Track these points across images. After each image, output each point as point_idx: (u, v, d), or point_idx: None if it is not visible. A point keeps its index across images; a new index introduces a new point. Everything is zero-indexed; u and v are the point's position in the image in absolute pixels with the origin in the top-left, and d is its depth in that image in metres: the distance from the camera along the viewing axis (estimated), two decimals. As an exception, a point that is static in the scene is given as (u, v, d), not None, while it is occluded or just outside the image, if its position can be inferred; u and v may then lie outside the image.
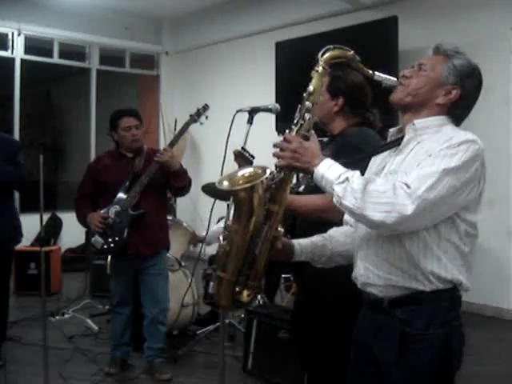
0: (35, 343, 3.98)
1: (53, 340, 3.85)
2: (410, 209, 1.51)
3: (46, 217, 6.91)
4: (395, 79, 1.77)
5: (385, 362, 1.69)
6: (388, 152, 1.79)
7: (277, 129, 5.62)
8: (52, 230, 7.14)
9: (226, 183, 1.77)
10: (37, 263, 5.66)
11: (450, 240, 1.63)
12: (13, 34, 7.17)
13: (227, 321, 4.15)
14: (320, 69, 1.69)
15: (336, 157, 2.05)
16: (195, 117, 3.54)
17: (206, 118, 3.54)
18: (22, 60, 7.28)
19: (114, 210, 3.46)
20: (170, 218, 4.63)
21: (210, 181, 4.68)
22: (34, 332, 4.25)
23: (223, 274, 1.71)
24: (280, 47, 6.36)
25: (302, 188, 2.38)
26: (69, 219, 7.02)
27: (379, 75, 1.76)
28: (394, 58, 5.31)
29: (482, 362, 4.00)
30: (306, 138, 1.65)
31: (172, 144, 3.51)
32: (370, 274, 1.69)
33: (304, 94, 1.68)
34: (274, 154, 1.65)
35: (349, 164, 1.68)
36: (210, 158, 7.55)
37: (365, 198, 1.52)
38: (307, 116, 1.66)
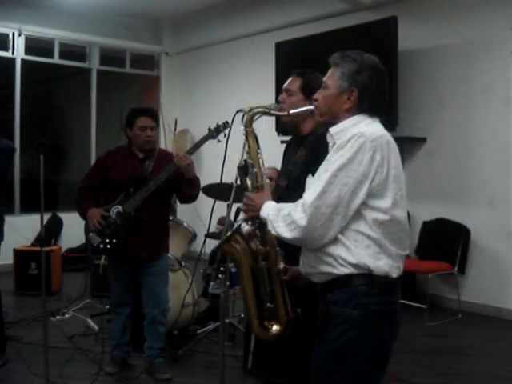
0: (35, 343, 3.98)
1: (53, 340, 3.85)
2: (304, 220, 1.75)
3: (46, 217, 6.92)
4: (311, 107, 2.03)
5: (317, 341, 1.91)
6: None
7: (277, 129, 5.62)
8: (52, 230, 7.14)
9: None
10: (37, 263, 5.66)
11: (356, 230, 1.79)
12: (13, 34, 7.17)
13: (227, 321, 4.15)
14: (248, 130, 2.06)
15: (316, 156, 2.14)
16: (214, 133, 3.47)
17: (225, 135, 3.43)
18: (22, 60, 7.27)
19: (115, 210, 3.44)
20: (170, 218, 4.63)
21: (211, 181, 4.68)
22: (34, 332, 4.25)
23: (248, 315, 2.05)
24: (280, 47, 6.36)
25: None
26: (69, 219, 7.03)
27: (295, 111, 2.09)
28: (394, 59, 5.31)
29: (482, 361, 4.00)
30: (260, 188, 2.00)
31: (190, 152, 3.49)
32: (306, 266, 1.92)
33: (245, 157, 2.04)
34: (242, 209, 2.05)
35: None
36: (211, 159, 7.53)
37: (279, 225, 1.82)
38: (253, 170, 2.02)
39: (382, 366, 1.86)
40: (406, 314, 5.65)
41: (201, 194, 4.57)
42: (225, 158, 2.53)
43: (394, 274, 1.82)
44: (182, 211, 7.44)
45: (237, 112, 2.41)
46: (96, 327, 4.52)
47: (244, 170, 2.25)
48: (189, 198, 3.64)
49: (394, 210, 1.80)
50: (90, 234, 3.47)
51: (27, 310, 4.89)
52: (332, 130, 1.89)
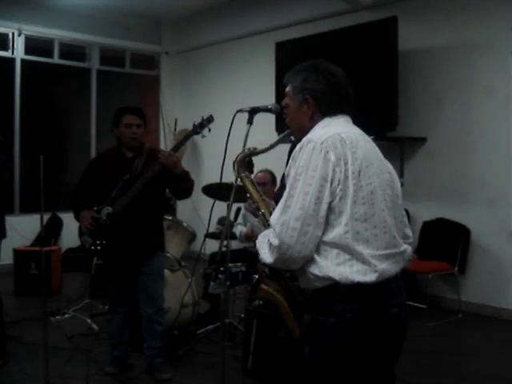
0: (35, 343, 3.97)
1: (53, 340, 3.84)
2: (276, 240, 1.71)
3: (46, 217, 6.92)
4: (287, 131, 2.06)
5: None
6: None
7: (277, 129, 5.62)
8: (52, 230, 7.14)
9: None
10: (37, 263, 5.66)
11: (324, 240, 1.72)
12: (13, 34, 7.17)
13: (227, 321, 4.15)
14: (242, 176, 2.10)
15: None
16: (197, 128, 3.45)
17: (209, 130, 3.45)
18: (22, 60, 7.28)
19: (106, 211, 3.45)
20: (170, 217, 4.63)
21: (211, 181, 4.69)
22: (34, 332, 4.25)
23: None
24: (280, 47, 6.36)
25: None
26: (69, 219, 6.94)
27: (275, 142, 2.11)
28: (394, 59, 5.31)
29: (482, 361, 4.00)
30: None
31: (176, 149, 3.48)
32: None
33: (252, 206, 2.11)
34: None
35: None
36: (211, 159, 7.55)
37: (264, 251, 1.78)
38: (261, 212, 2.02)
39: (364, 375, 1.78)
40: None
41: (201, 193, 4.58)
42: (224, 157, 2.53)
43: (369, 278, 1.71)
44: (182, 211, 7.45)
45: (237, 112, 2.41)
46: (96, 327, 4.52)
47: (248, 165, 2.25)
48: (181, 193, 3.65)
49: (358, 207, 1.73)
50: (83, 236, 3.51)
51: (27, 310, 4.89)
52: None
